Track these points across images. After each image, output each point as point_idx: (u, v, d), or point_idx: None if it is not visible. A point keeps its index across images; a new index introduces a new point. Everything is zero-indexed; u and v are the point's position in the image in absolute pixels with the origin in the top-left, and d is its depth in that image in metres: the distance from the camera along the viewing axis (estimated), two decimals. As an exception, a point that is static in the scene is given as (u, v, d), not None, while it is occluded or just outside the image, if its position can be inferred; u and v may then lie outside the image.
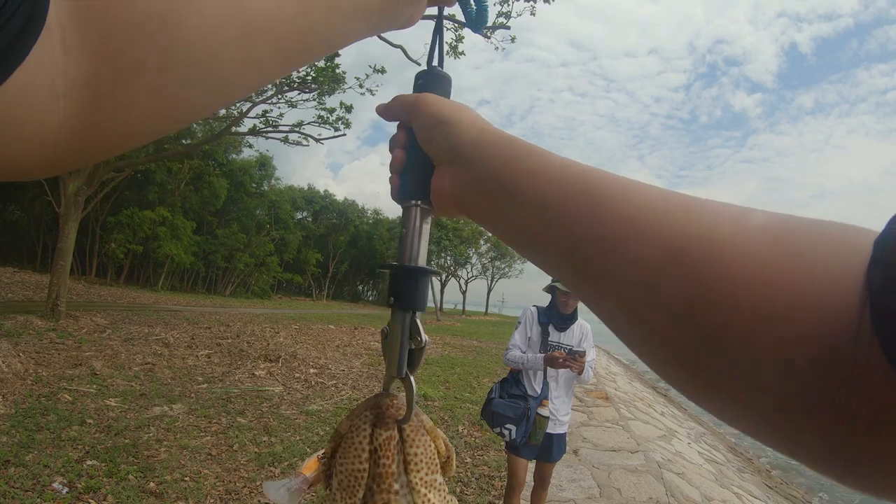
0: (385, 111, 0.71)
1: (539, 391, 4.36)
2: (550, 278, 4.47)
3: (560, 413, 4.46)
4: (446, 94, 0.71)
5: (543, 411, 4.27)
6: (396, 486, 0.64)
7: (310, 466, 0.75)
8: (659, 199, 0.42)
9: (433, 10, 0.74)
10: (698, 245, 0.37)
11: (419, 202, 0.67)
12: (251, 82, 0.47)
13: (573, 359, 4.19)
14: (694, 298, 0.36)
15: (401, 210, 0.69)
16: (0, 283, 23.85)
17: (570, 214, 0.46)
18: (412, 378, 0.67)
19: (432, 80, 0.71)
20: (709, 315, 0.35)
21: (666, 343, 0.38)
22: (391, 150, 0.70)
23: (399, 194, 0.68)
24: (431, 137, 0.63)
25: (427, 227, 0.69)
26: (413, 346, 0.67)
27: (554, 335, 4.49)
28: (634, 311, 0.40)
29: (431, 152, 0.64)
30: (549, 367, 4.31)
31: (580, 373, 4.27)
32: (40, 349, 9.81)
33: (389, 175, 0.70)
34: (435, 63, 0.73)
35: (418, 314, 0.67)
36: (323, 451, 0.73)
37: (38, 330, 11.56)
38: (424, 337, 0.67)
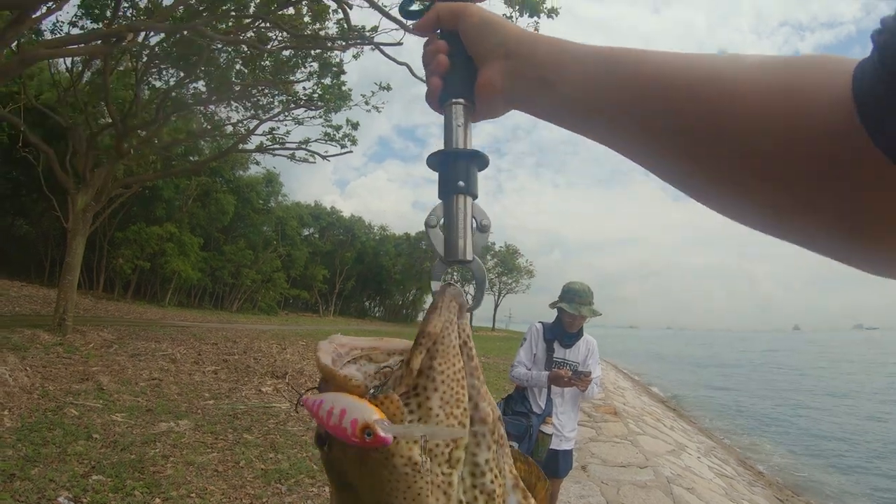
0: (428, 20, 0.74)
1: (544, 408, 4.31)
2: (557, 296, 4.49)
3: (566, 429, 4.39)
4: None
5: (547, 428, 4.21)
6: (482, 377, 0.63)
7: (351, 388, 0.59)
8: (671, 59, 0.52)
9: None
10: (708, 84, 0.47)
11: (463, 100, 0.70)
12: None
13: (579, 378, 4.16)
14: (709, 126, 0.46)
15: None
16: (8, 296, 23.91)
17: (613, 83, 0.55)
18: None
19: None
20: (722, 131, 0.46)
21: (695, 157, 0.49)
22: (429, 59, 0.73)
23: (442, 94, 0.71)
24: (484, 35, 0.68)
25: (471, 125, 0.72)
26: (479, 229, 0.69)
27: (559, 352, 4.44)
28: (673, 138, 0.50)
29: (481, 51, 0.68)
30: (553, 385, 4.27)
31: (583, 390, 4.24)
32: (47, 363, 9.80)
33: (429, 79, 0.73)
34: None
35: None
36: (396, 360, 0.63)
37: (45, 344, 11.53)
38: (489, 218, 0.69)
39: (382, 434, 0.52)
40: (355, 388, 0.59)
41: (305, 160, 20.13)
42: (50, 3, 10.32)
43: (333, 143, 18.78)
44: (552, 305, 4.56)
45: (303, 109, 18.37)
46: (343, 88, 17.16)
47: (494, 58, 0.67)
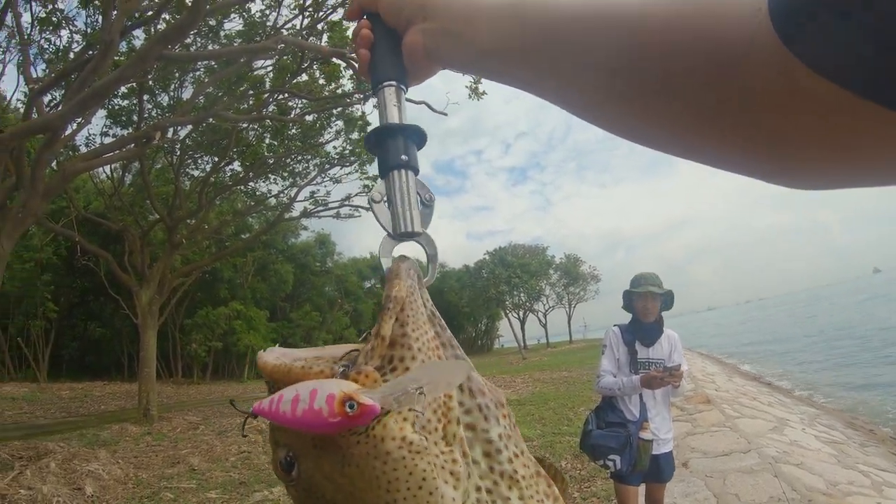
0: (352, 8, 0.78)
1: (637, 414, 4.11)
2: (628, 286, 4.35)
3: (661, 431, 4.17)
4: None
5: (646, 435, 4.00)
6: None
7: (313, 374, 0.53)
8: None
9: None
10: (613, 13, 0.49)
11: (394, 82, 0.72)
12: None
13: (671, 374, 3.93)
14: (614, 54, 0.49)
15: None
16: (92, 397, 24.67)
17: (520, 29, 0.57)
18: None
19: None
20: (630, 59, 0.47)
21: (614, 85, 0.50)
22: (355, 36, 0.77)
23: (373, 80, 0.73)
24: (401, 5, 0.71)
25: (404, 103, 0.72)
26: (423, 203, 0.69)
27: (642, 352, 4.25)
28: (581, 68, 0.53)
29: (402, 20, 0.71)
30: (647, 388, 4.08)
31: (677, 386, 4.01)
32: (138, 453, 10.03)
33: (357, 52, 0.75)
34: None
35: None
36: (371, 332, 0.56)
37: (133, 435, 11.84)
38: (431, 193, 0.70)
39: (368, 401, 0.45)
40: (319, 373, 0.52)
41: (351, 216, 20.43)
42: (78, 119, 10.78)
43: (375, 195, 18.96)
44: (623, 296, 4.40)
45: (338, 168, 18.75)
46: (372, 140, 17.42)
47: (416, 21, 0.69)
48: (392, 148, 0.68)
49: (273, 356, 0.57)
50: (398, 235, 0.66)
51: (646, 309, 4.22)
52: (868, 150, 0.38)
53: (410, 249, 0.69)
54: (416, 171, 0.68)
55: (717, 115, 0.43)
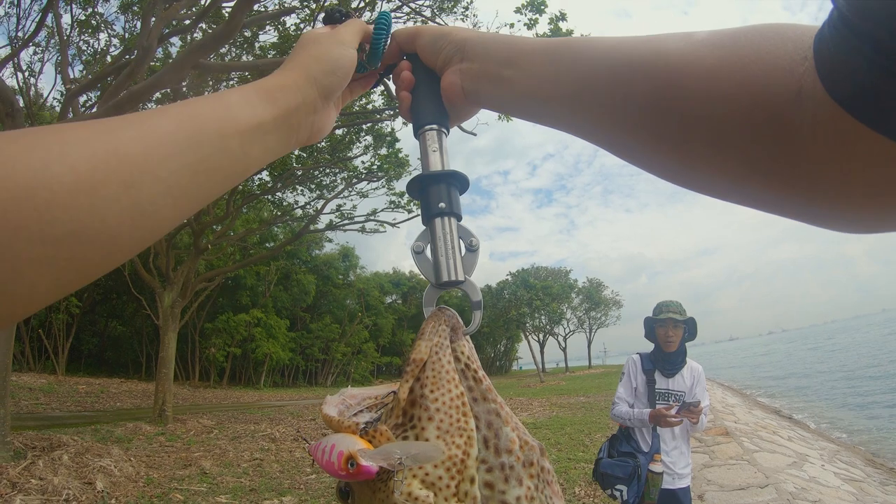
0: (391, 49, 0.79)
1: (650, 445, 4.02)
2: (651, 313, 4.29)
3: (678, 466, 4.06)
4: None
5: (656, 467, 3.89)
6: (500, 399, 0.59)
7: (337, 425, 0.60)
8: (619, 43, 0.55)
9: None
10: (657, 61, 0.50)
11: (436, 125, 0.73)
12: (144, 234, 0.46)
13: (688, 411, 3.88)
14: (655, 99, 0.49)
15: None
16: (109, 393, 24.85)
17: (560, 71, 0.59)
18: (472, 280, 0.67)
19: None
20: (672, 105, 0.48)
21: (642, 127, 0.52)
22: (396, 77, 0.79)
23: (415, 125, 0.74)
24: (439, 47, 0.72)
25: (447, 145, 0.73)
26: (468, 248, 0.68)
27: (661, 382, 4.16)
28: (623, 113, 0.53)
29: (440, 61, 0.73)
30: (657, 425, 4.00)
31: (695, 422, 3.95)
32: (150, 453, 10.09)
33: (398, 94, 0.78)
34: None
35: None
36: (385, 394, 0.62)
37: (147, 435, 11.93)
38: (476, 238, 0.68)
39: (364, 462, 0.51)
40: (347, 427, 0.58)
41: (376, 231, 20.45)
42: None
43: (400, 210, 19.01)
44: (645, 331, 4.34)
45: (365, 182, 18.77)
46: (400, 156, 17.47)
47: (454, 63, 0.71)
48: (434, 195, 0.68)
49: (328, 406, 0.63)
50: (441, 284, 0.66)
51: (667, 337, 4.14)
52: None
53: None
54: (459, 218, 0.68)
55: (763, 163, 0.44)
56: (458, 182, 0.69)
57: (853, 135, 0.36)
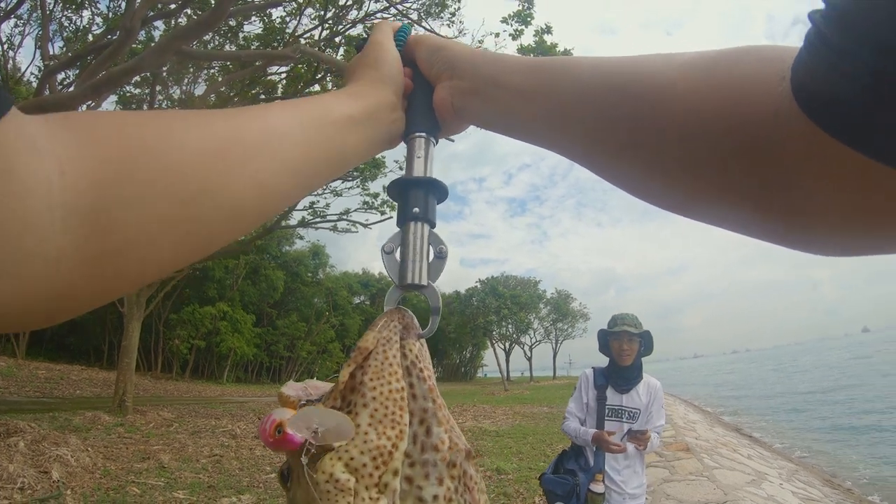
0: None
1: (592, 464, 3.88)
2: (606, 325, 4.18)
3: (630, 485, 3.88)
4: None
5: (597, 487, 3.75)
6: (440, 401, 0.60)
7: (287, 402, 0.62)
8: (600, 63, 0.56)
9: None
10: (636, 83, 0.50)
11: (424, 133, 0.74)
12: (264, 205, 0.51)
13: (636, 437, 3.78)
14: (635, 122, 0.49)
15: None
16: (69, 380, 24.55)
17: (543, 90, 0.60)
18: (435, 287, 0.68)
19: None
20: (651, 127, 0.48)
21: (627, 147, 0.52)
22: None
23: (406, 129, 0.75)
24: (433, 60, 0.74)
25: (433, 154, 0.74)
26: (436, 255, 0.69)
27: (614, 398, 4.00)
28: (603, 133, 0.54)
29: (433, 74, 0.74)
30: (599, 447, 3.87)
31: (643, 449, 3.84)
32: (108, 444, 9.92)
33: None
34: None
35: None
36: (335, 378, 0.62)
37: (106, 425, 11.74)
38: (445, 246, 0.70)
39: (290, 431, 0.53)
40: (291, 403, 0.59)
41: (348, 230, 20.39)
42: (89, 102, 10.81)
43: (373, 211, 18.99)
44: (599, 344, 4.22)
45: (339, 181, 18.71)
46: (377, 157, 17.45)
47: (444, 79, 0.73)
48: (412, 199, 0.69)
49: (287, 388, 0.62)
50: (404, 286, 0.67)
51: (622, 350, 4.01)
52: None
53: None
54: (432, 225, 0.70)
55: (741, 186, 0.44)
56: (436, 190, 0.71)
57: (833, 155, 0.36)
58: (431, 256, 0.69)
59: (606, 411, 3.98)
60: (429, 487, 0.55)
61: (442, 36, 0.81)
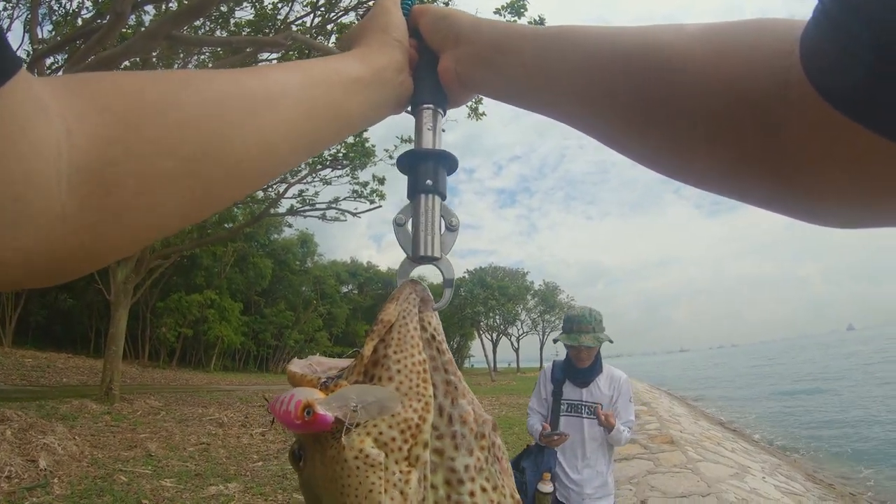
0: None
1: (543, 462, 3.60)
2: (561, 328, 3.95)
3: (589, 486, 3.62)
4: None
5: (545, 487, 3.47)
6: (459, 373, 0.60)
7: (302, 380, 0.60)
8: (608, 32, 0.55)
9: None
10: (645, 54, 0.49)
11: (432, 105, 0.73)
12: (267, 163, 0.51)
13: (593, 414, 3.58)
14: (645, 92, 0.49)
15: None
16: (55, 368, 24.43)
17: (552, 58, 0.58)
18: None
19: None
20: (661, 98, 0.48)
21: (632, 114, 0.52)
22: None
23: (413, 100, 0.74)
24: (438, 28, 0.73)
25: (440, 127, 0.74)
26: (448, 228, 0.70)
27: (573, 393, 3.77)
28: (613, 106, 0.53)
29: (437, 42, 0.73)
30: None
31: (610, 430, 3.57)
32: (95, 432, 9.89)
33: None
34: None
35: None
36: (357, 354, 0.60)
37: (93, 413, 11.68)
38: (457, 218, 0.70)
39: (320, 410, 0.52)
40: (309, 381, 0.58)
41: (337, 219, 20.32)
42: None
43: (362, 200, 18.93)
44: (555, 341, 4.01)
45: (329, 169, 18.63)
46: (366, 145, 17.38)
47: (449, 47, 0.71)
48: (422, 171, 0.69)
49: (294, 365, 0.62)
50: (417, 258, 0.67)
51: (579, 357, 3.80)
52: None
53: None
54: (444, 197, 0.70)
55: (752, 157, 0.44)
56: (447, 162, 0.71)
57: (839, 128, 0.36)
58: (443, 229, 0.69)
59: (564, 406, 3.80)
60: (460, 458, 0.55)
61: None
